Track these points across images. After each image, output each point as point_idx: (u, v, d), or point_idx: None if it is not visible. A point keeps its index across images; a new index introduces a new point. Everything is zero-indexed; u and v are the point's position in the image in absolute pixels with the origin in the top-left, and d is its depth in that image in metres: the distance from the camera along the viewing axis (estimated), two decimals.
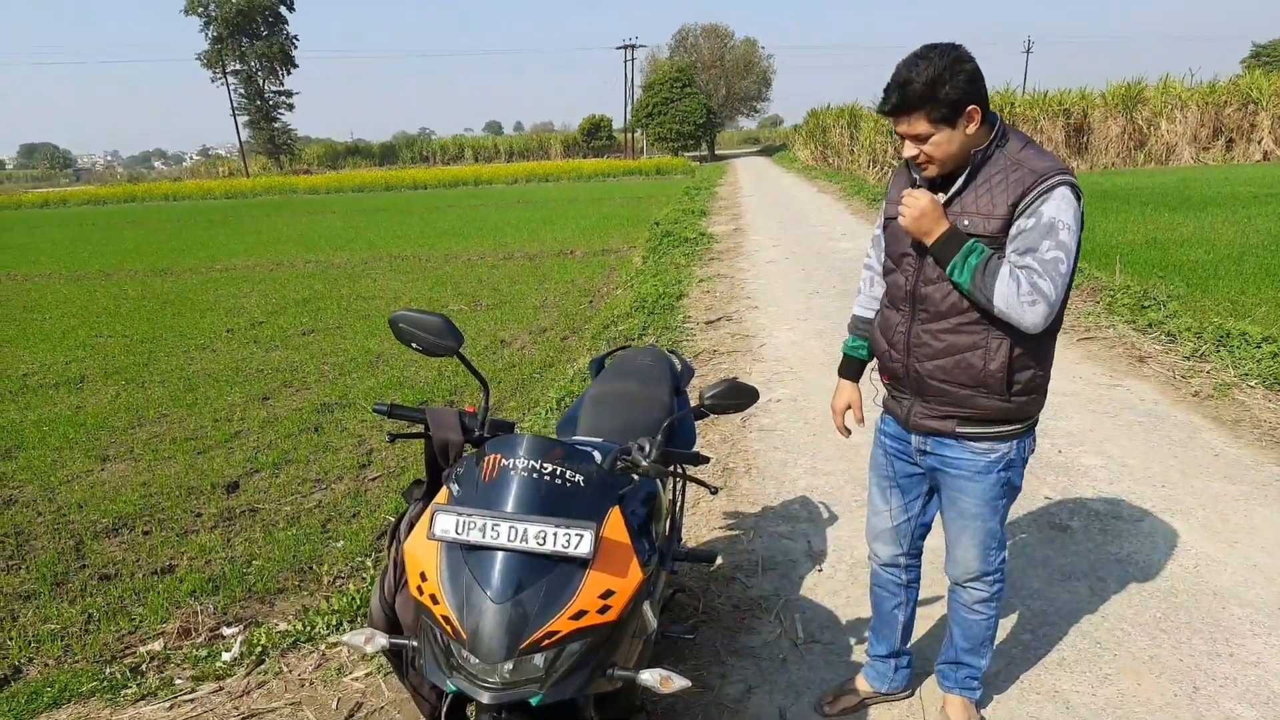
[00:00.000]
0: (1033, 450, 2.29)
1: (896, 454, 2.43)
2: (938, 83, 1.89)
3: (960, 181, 2.03)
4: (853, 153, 34.18)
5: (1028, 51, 77.69)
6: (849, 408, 2.59)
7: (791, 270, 10.91)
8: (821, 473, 4.56)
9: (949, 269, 2.01)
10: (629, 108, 66.85)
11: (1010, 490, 2.28)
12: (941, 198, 2.05)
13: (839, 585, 3.46)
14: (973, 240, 1.98)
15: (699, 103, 62.09)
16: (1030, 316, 1.93)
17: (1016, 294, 1.92)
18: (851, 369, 2.58)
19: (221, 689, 3.00)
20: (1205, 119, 31.44)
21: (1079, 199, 1.96)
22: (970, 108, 1.93)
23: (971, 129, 1.96)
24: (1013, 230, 1.97)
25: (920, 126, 1.95)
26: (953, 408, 2.17)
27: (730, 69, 77.53)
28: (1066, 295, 2.02)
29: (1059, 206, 1.93)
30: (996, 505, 2.27)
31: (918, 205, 2.01)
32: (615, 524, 1.81)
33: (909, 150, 2.02)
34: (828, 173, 32.02)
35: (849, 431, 2.62)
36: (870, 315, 2.48)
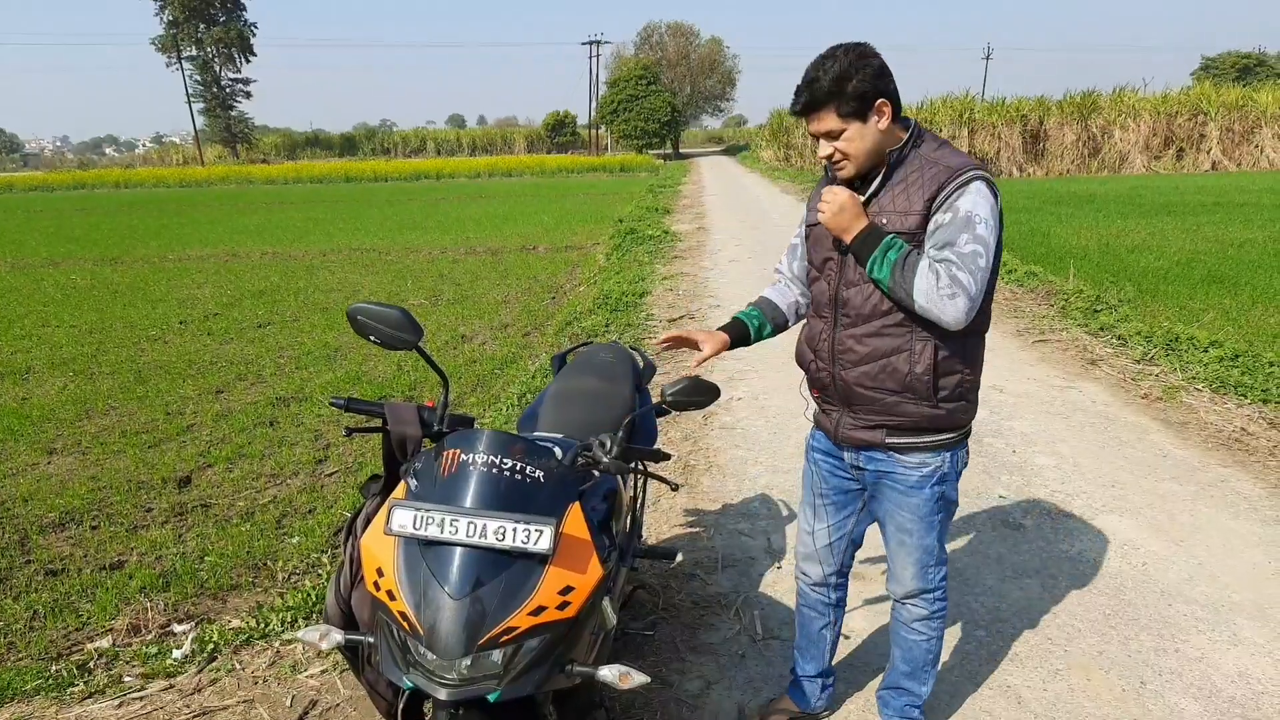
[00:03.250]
0: (965, 464, 2.26)
1: (830, 470, 2.40)
2: (844, 78, 1.91)
3: (877, 182, 2.04)
4: (815, 153, 34.45)
5: (987, 58, 78.87)
6: (696, 342, 2.32)
7: (754, 270, 10.97)
8: (781, 470, 4.59)
9: (869, 265, 2.00)
10: (593, 104, 66.74)
11: (945, 505, 2.25)
12: (860, 199, 2.06)
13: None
14: (891, 236, 1.98)
15: (664, 100, 62.21)
16: (951, 310, 1.91)
17: (936, 287, 1.90)
18: (733, 328, 2.38)
19: (172, 686, 2.94)
20: (1157, 128, 32.27)
21: (995, 195, 1.97)
22: (879, 101, 1.95)
23: (883, 124, 1.97)
24: (930, 226, 1.97)
25: (830, 122, 1.96)
26: (881, 416, 2.14)
27: (695, 68, 77.76)
28: (990, 293, 2.03)
29: (975, 201, 1.93)
30: (932, 521, 2.24)
31: (837, 200, 2.01)
32: (575, 520, 1.81)
33: (823, 149, 2.03)
34: (790, 173, 32.27)
35: (668, 344, 2.35)
36: (779, 303, 2.41)
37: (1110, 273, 9.35)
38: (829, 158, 2.04)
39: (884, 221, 2.01)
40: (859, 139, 1.97)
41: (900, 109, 2.01)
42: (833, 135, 1.99)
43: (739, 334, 2.38)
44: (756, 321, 2.40)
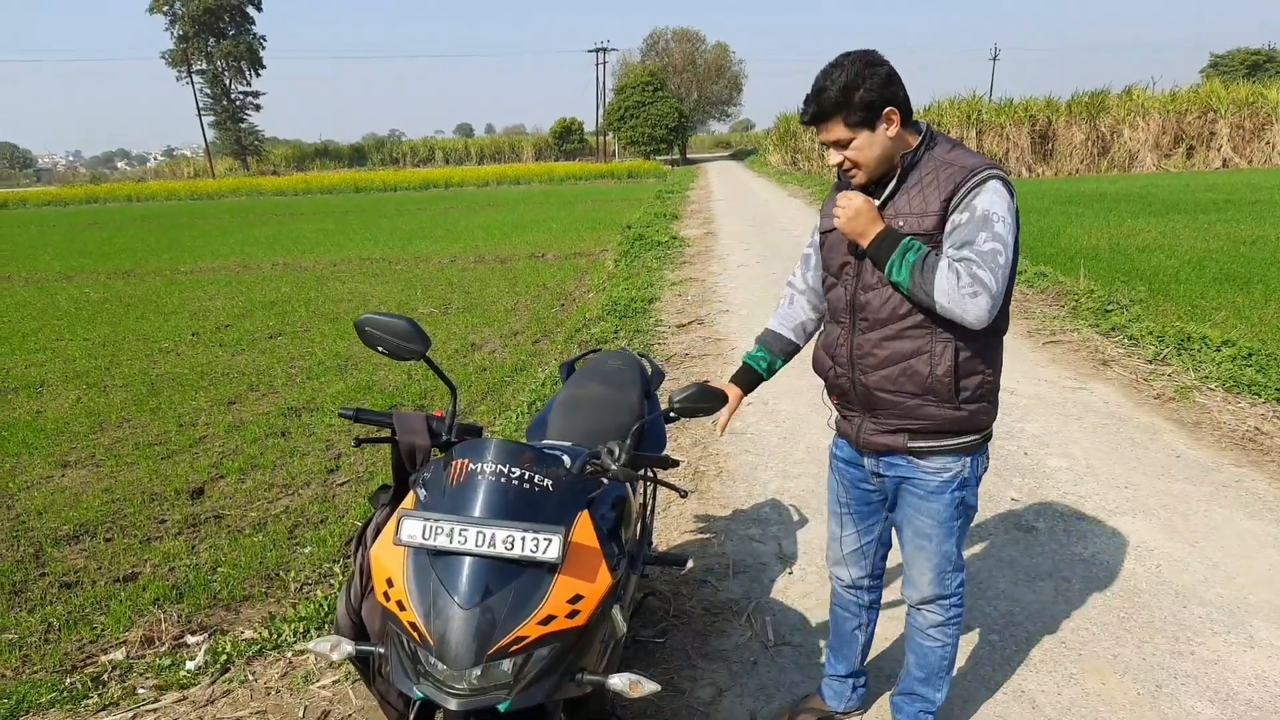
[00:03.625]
0: (985, 468, 2.26)
1: (852, 480, 2.40)
2: (851, 88, 1.92)
3: (891, 186, 2.05)
4: (823, 157, 34.46)
5: (994, 59, 78.77)
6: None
7: (763, 274, 10.96)
8: (792, 476, 4.58)
9: (887, 268, 2.00)
10: (601, 111, 66.88)
11: (965, 510, 2.25)
12: (876, 203, 2.05)
13: (809, 588, 3.47)
14: (909, 238, 1.98)
15: (671, 106, 62.23)
16: (973, 309, 1.90)
17: (957, 286, 1.89)
18: (743, 376, 2.48)
19: (185, 698, 2.95)
20: (1167, 126, 32.12)
21: (1011, 193, 1.97)
22: (887, 109, 1.95)
23: (892, 131, 1.97)
24: (948, 226, 1.97)
25: (838, 132, 1.97)
26: (902, 420, 2.13)
27: (702, 73, 77.89)
28: (1009, 292, 2.02)
29: (991, 200, 1.93)
30: (951, 526, 2.23)
31: (852, 205, 2.01)
32: (584, 528, 1.80)
33: (833, 158, 2.04)
34: (798, 177, 32.24)
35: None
36: (783, 331, 2.45)
37: (1121, 272, 9.29)
38: (840, 166, 2.05)
39: (900, 224, 2.01)
40: (868, 147, 1.98)
41: (910, 114, 2.01)
42: (841, 144, 2.00)
43: (750, 381, 2.48)
44: (765, 363, 2.47)
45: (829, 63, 1.98)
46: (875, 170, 2.03)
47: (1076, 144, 32.13)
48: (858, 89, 1.92)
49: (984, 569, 3.56)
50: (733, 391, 2.41)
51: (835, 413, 2.39)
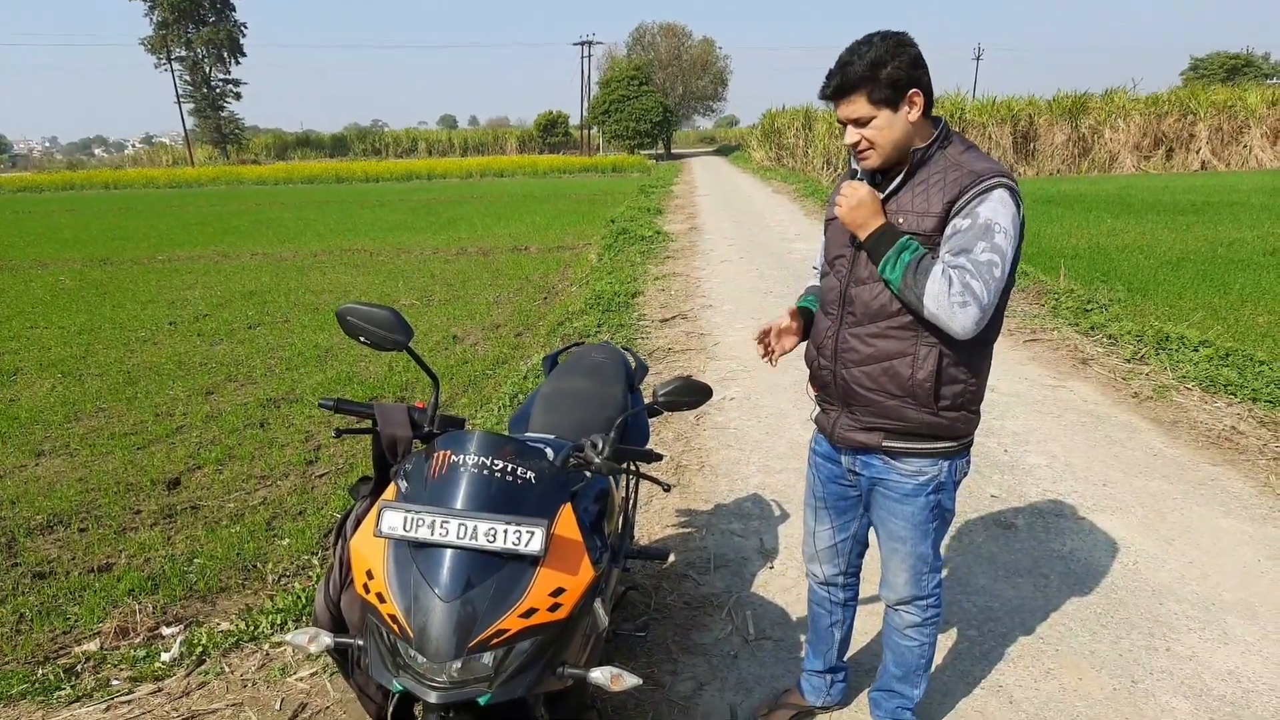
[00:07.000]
0: (965, 473, 2.23)
1: (828, 476, 2.38)
2: (879, 64, 1.88)
3: (898, 180, 2.00)
4: (807, 154, 34.56)
5: (978, 59, 79.18)
6: (778, 330, 2.30)
7: (746, 270, 10.98)
8: (774, 470, 4.59)
9: (881, 265, 1.96)
10: (585, 104, 66.70)
11: (941, 514, 2.22)
12: (880, 196, 2.02)
13: (790, 582, 3.48)
14: (907, 237, 1.94)
15: (656, 101, 62.16)
16: (960, 319, 1.86)
17: (948, 294, 1.85)
18: (801, 314, 2.35)
19: (160, 690, 2.91)
20: (1147, 129, 32.43)
21: (1018, 203, 1.92)
22: (912, 91, 1.91)
23: (914, 115, 1.93)
24: (947, 230, 1.92)
25: (861, 108, 1.92)
26: (879, 419, 2.10)
27: (687, 68, 77.89)
28: (1003, 302, 1.99)
29: (995, 209, 1.88)
30: (926, 529, 2.21)
31: (855, 195, 1.98)
32: (567, 521, 1.79)
33: (850, 136, 1.98)
34: (782, 173, 32.30)
35: (768, 350, 2.32)
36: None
37: (1101, 272, 9.38)
38: (854, 145, 2.00)
39: (901, 221, 1.98)
40: (888, 128, 1.93)
41: (932, 103, 1.97)
42: (861, 122, 1.94)
43: (807, 320, 2.34)
44: (817, 305, 2.33)
45: (857, 40, 1.94)
46: (890, 154, 1.97)
47: (1058, 144, 32.39)
48: (885, 65, 1.88)
49: (963, 565, 3.58)
50: (795, 319, 2.29)
51: (815, 406, 2.38)
